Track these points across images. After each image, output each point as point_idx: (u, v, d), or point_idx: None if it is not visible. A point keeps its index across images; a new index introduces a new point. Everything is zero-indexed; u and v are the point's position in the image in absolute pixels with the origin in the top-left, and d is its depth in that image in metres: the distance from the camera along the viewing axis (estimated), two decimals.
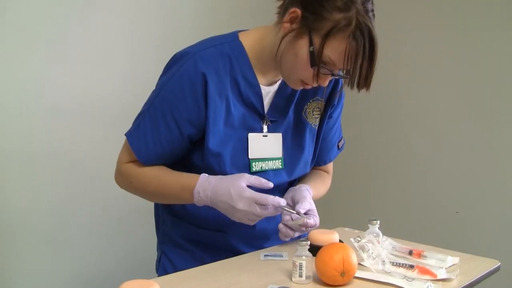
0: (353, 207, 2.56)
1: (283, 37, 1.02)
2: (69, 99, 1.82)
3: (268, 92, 1.12)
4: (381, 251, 1.00)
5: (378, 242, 1.03)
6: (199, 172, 1.06)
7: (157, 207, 1.26)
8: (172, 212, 1.18)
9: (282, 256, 1.06)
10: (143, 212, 2.00)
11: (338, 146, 1.30)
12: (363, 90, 1.02)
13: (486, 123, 2.14)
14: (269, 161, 1.13)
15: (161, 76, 1.12)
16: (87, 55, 1.86)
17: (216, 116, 1.06)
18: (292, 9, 0.99)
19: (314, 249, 0.95)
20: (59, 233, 1.83)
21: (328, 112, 1.21)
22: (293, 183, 1.22)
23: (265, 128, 1.12)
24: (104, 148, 1.92)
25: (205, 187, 1.02)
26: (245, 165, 1.10)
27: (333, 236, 1.05)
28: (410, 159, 2.40)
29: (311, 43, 0.98)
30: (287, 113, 1.14)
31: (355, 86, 1.00)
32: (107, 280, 1.93)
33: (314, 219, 1.05)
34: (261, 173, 1.11)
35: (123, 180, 1.13)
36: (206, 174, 1.05)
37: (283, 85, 1.13)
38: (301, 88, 1.08)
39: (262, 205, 0.99)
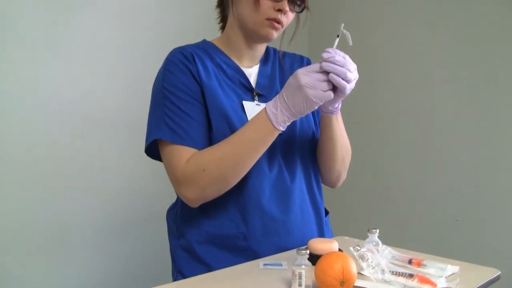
0: (352, 216, 2.55)
1: None
2: (70, 104, 1.83)
3: (250, 73, 1.25)
4: (381, 260, 1.00)
5: (378, 251, 1.03)
6: (211, 142, 1.13)
7: (171, 224, 1.25)
8: (190, 221, 1.18)
9: (281, 265, 1.06)
10: (145, 216, 2.01)
11: None
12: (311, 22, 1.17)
13: (486, 131, 2.14)
14: None
15: (155, 81, 1.20)
16: (87, 59, 1.88)
17: (211, 84, 1.16)
18: None
19: (314, 258, 0.95)
20: (59, 239, 1.83)
21: None
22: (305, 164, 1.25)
23: (256, 99, 1.22)
24: (103, 152, 1.93)
25: (273, 102, 1.06)
26: None
27: (333, 245, 1.05)
28: (409, 167, 2.40)
29: None
30: (274, 89, 1.24)
31: (296, 7, 1.16)
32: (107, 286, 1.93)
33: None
34: None
35: (193, 181, 1.09)
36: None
37: (262, 67, 1.28)
38: (273, 30, 1.17)
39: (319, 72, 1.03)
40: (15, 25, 1.68)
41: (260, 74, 1.27)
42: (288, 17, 1.18)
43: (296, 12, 1.20)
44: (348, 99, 1.15)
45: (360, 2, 2.60)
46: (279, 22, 1.16)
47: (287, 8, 1.15)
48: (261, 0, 1.13)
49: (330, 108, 1.14)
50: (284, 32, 1.23)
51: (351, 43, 1.08)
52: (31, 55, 1.73)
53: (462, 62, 2.21)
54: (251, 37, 1.21)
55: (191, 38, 1.40)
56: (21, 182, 1.73)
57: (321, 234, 1.25)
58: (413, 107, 2.39)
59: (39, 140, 1.76)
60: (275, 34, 1.19)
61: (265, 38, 1.20)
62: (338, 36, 1.08)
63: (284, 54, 1.36)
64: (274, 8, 1.14)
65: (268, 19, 1.15)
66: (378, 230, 1.08)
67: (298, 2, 1.17)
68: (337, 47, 1.06)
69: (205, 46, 1.24)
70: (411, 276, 0.97)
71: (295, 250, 0.95)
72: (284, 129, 1.08)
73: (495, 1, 2.12)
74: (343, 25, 1.09)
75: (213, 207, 1.14)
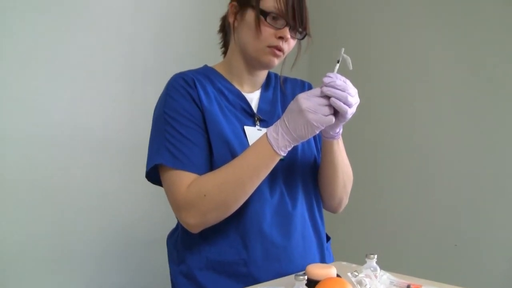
0: (350, 241, 2.54)
1: (233, 25, 1.21)
2: (70, 129, 1.83)
3: (252, 98, 1.27)
4: (379, 285, 1.00)
5: (376, 277, 1.03)
6: (212, 167, 1.14)
7: (172, 250, 1.25)
8: (190, 247, 1.18)
9: None
10: (144, 241, 2.00)
11: None
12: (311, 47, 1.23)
13: (487, 155, 2.14)
14: None
15: (156, 106, 1.21)
16: (88, 84, 1.88)
17: (212, 109, 1.16)
18: (229, 5, 1.22)
19: (312, 284, 0.95)
20: (59, 264, 1.82)
21: None
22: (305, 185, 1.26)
23: (258, 124, 1.23)
24: (103, 177, 1.93)
25: (274, 127, 1.07)
26: None
27: (331, 270, 1.04)
28: (406, 192, 2.40)
29: (252, 7, 1.16)
30: (275, 114, 1.25)
31: (297, 34, 1.18)
32: None
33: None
34: None
35: (194, 207, 1.08)
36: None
37: (263, 92, 1.29)
38: (275, 58, 1.18)
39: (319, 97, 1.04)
40: (14, 47, 1.69)
41: (261, 99, 1.28)
42: (290, 44, 1.20)
43: (298, 39, 1.21)
44: (348, 124, 1.16)
45: (360, 26, 2.63)
46: (280, 49, 1.17)
47: (289, 36, 1.17)
48: (263, 27, 1.15)
49: (331, 133, 1.15)
50: (285, 58, 1.25)
51: (351, 68, 1.09)
52: (30, 78, 1.73)
53: (467, 96, 2.23)
54: (252, 63, 1.23)
55: (193, 63, 1.41)
56: (20, 207, 1.72)
57: (323, 260, 1.25)
58: (411, 135, 2.40)
59: (38, 164, 1.75)
60: (276, 62, 1.20)
61: (266, 66, 1.21)
62: (338, 62, 1.09)
63: (285, 79, 1.37)
64: (276, 35, 1.16)
65: (269, 46, 1.17)
66: (376, 256, 1.08)
67: (300, 29, 1.18)
68: (338, 72, 1.07)
69: (206, 72, 1.26)
70: None
71: (293, 275, 0.96)
72: (285, 154, 1.09)
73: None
74: (343, 49, 1.10)
75: (213, 233, 1.14)
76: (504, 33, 2.09)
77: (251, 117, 1.24)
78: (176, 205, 1.12)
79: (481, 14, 2.15)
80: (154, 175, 1.19)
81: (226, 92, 1.23)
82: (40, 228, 1.76)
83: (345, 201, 1.33)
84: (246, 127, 1.20)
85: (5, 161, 1.68)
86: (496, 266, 2.09)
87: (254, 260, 1.13)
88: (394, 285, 1.08)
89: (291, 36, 1.18)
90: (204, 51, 1.80)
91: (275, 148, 1.06)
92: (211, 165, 1.15)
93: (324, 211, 1.33)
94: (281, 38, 1.16)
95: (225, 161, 1.11)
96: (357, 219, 2.55)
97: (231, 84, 1.25)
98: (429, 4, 2.34)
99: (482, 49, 2.15)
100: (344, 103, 1.03)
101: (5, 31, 1.67)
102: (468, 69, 2.19)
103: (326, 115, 1.03)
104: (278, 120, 1.08)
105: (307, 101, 1.03)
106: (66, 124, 1.83)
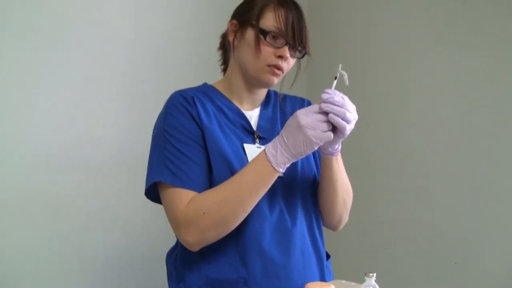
0: (349, 259, 2.53)
1: (233, 43, 1.22)
2: (68, 146, 1.82)
3: (251, 116, 1.27)
4: None
5: None
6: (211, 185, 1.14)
7: (171, 268, 1.25)
8: (190, 265, 1.17)
9: None
10: (143, 260, 1.99)
11: None
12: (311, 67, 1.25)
13: (490, 170, 2.13)
14: None
15: (155, 124, 1.22)
16: (85, 102, 1.87)
17: (212, 127, 1.17)
18: (229, 24, 1.24)
19: None
20: (58, 282, 1.80)
21: None
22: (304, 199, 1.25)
23: (257, 141, 1.23)
24: (102, 195, 1.92)
25: (273, 143, 1.07)
26: None
27: None
28: (406, 211, 2.39)
29: (252, 26, 1.17)
30: (275, 132, 1.25)
31: (297, 53, 1.20)
32: None
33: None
34: None
35: (193, 224, 1.08)
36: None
37: (263, 109, 1.30)
38: (274, 77, 1.19)
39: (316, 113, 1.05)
40: (12, 64, 1.68)
41: (261, 116, 1.28)
42: (289, 63, 1.21)
43: (297, 58, 1.23)
44: (346, 140, 1.17)
45: (359, 44, 2.64)
46: (279, 68, 1.18)
47: (288, 55, 1.18)
48: (262, 46, 1.16)
49: (330, 149, 1.16)
50: (284, 76, 1.25)
51: (347, 83, 1.10)
52: (28, 96, 1.72)
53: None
54: (252, 82, 1.24)
55: (192, 80, 1.41)
56: (17, 225, 1.70)
57: (323, 278, 1.25)
58: (408, 149, 2.40)
59: (36, 183, 1.74)
60: (275, 80, 1.21)
61: (266, 84, 1.22)
62: (336, 78, 1.11)
63: (285, 96, 1.38)
64: (275, 54, 1.17)
65: (269, 65, 1.17)
66: (375, 274, 1.08)
67: (299, 48, 1.20)
68: (336, 88, 1.09)
69: (205, 90, 1.26)
70: None
71: None
72: (284, 171, 1.09)
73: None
74: (340, 65, 1.11)
75: (213, 251, 1.14)
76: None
77: (251, 135, 1.24)
78: (175, 222, 1.12)
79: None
80: (153, 192, 1.19)
81: (225, 110, 1.24)
82: (37, 245, 1.75)
83: (345, 219, 1.32)
84: (245, 145, 1.21)
85: (3, 173, 1.67)
86: (496, 285, 2.08)
87: (254, 278, 1.13)
88: None
89: (290, 55, 1.19)
90: (204, 67, 1.80)
91: (274, 165, 1.06)
92: (211, 183, 1.15)
93: (324, 229, 1.32)
94: (281, 57, 1.17)
95: (224, 179, 1.11)
96: (356, 237, 2.54)
97: (230, 102, 1.26)
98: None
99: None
100: (343, 119, 1.04)
101: (8, 57, 1.68)
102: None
103: (325, 131, 1.04)
104: (277, 137, 1.08)
105: (306, 117, 1.04)
106: (64, 139, 1.82)
